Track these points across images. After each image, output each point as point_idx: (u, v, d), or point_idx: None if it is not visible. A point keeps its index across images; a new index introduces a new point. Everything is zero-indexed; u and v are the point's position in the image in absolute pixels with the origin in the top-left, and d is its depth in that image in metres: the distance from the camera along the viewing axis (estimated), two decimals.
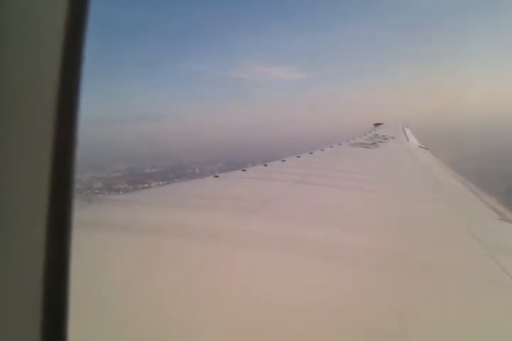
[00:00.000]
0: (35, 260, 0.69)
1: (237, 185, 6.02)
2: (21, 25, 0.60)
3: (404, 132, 23.65)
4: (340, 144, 15.71)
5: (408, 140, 20.68)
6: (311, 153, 11.44)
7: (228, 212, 3.86)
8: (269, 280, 2.31)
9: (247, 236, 3.10)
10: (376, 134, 20.82)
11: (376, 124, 27.24)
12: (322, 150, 12.86)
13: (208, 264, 2.51)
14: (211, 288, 2.14)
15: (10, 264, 0.66)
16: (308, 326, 1.81)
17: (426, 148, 18.28)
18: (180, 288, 2.11)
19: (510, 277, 2.63)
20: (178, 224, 3.35)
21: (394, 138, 20.01)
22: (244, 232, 3.22)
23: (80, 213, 3.61)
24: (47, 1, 0.63)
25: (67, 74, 0.65)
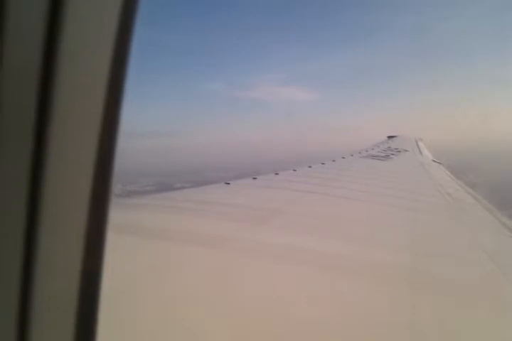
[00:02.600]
0: (71, 265, 0.71)
1: (247, 192, 6.02)
2: (76, 33, 0.63)
3: (418, 146, 23.47)
4: (352, 156, 15.64)
5: (421, 153, 20.51)
6: (322, 164, 11.42)
7: (237, 220, 3.85)
8: (275, 291, 2.30)
9: (255, 245, 3.09)
10: (389, 147, 20.70)
11: (390, 137, 27.11)
12: (334, 161, 12.82)
13: (214, 271, 2.50)
14: (217, 295, 2.13)
15: (48, 269, 0.68)
16: (314, 338, 1.79)
17: (440, 163, 18.10)
18: (187, 295, 2.11)
19: None
20: (187, 230, 3.36)
21: (407, 151, 19.86)
22: (252, 241, 3.21)
23: None
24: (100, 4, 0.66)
25: (113, 82, 0.68)
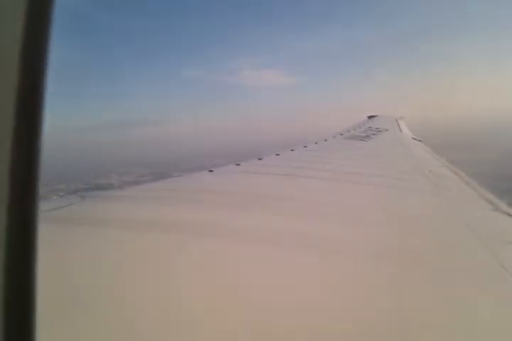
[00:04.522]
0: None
1: (230, 179, 5.99)
2: None
3: (398, 124, 23.70)
4: (334, 137, 15.70)
5: (402, 132, 20.74)
6: (305, 147, 11.43)
7: (222, 207, 3.83)
8: (263, 275, 2.30)
9: (240, 231, 3.08)
10: (370, 127, 20.85)
11: (370, 117, 27.28)
12: (316, 143, 12.84)
13: (201, 259, 2.49)
14: (206, 283, 2.12)
15: None
16: (304, 321, 1.79)
17: (419, 140, 18.34)
18: (175, 284, 2.09)
19: (504, 269, 2.64)
20: (172, 219, 3.32)
21: (387, 130, 20.04)
22: (237, 226, 3.20)
23: (73, 210, 3.56)
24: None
25: (28, 75, 0.62)
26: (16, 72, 0.60)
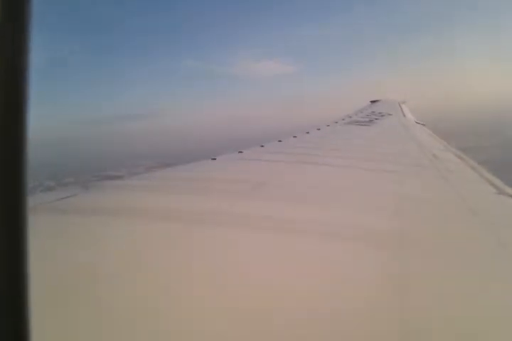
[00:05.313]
0: None
1: (234, 167, 5.99)
2: None
3: (401, 108, 23.51)
4: (336, 122, 15.61)
5: (405, 116, 20.58)
6: (307, 133, 11.37)
7: (224, 195, 3.84)
8: (265, 262, 2.31)
9: (243, 218, 3.09)
10: (373, 111, 20.69)
11: (373, 101, 27.05)
12: (318, 129, 12.78)
13: (203, 247, 2.50)
14: (207, 271, 2.13)
15: None
16: (305, 308, 1.81)
17: (423, 124, 18.21)
18: (176, 272, 2.10)
19: (508, 251, 2.64)
20: (174, 207, 3.34)
21: (391, 114, 19.89)
22: (239, 214, 3.20)
23: (77, 200, 3.58)
24: None
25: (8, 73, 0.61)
26: None
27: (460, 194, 4.66)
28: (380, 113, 19.84)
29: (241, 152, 7.22)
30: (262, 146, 8.16)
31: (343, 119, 16.90)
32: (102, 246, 2.43)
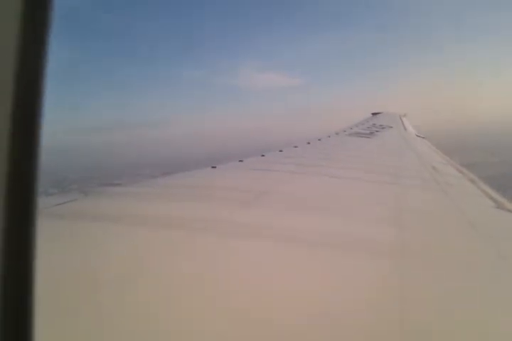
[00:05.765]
0: None
1: (234, 175, 6.00)
2: None
3: (402, 122, 23.62)
4: (337, 134, 15.66)
5: (406, 129, 20.66)
6: (308, 143, 11.41)
7: (225, 203, 3.84)
8: (266, 271, 2.30)
9: (243, 227, 3.08)
10: (374, 124, 20.79)
11: (374, 114, 27.19)
12: (319, 140, 12.82)
13: (204, 255, 2.49)
14: (208, 279, 2.13)
15: None
16: (306, 316, 1.80)
17: (423, 137, 18.27)
18: (178, 280, 2.10)
19: (508, 264, 2.63)
20: (174, 214, 3.33)
21: (391, 127, 19.98)
22: (240, 223, 3.20)
23: (76, 205, 3.58)
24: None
25: (26, 77, 0.62)
26: (13, 71, 0.60)
27: (459, 207, 4.65)
28: (380, 125, 19.93)
29: (241, 161, 7.24)
30: (263, 156, 8.18)
31: (345, 131, 16.96)
32: (100, 251, 2.42)
